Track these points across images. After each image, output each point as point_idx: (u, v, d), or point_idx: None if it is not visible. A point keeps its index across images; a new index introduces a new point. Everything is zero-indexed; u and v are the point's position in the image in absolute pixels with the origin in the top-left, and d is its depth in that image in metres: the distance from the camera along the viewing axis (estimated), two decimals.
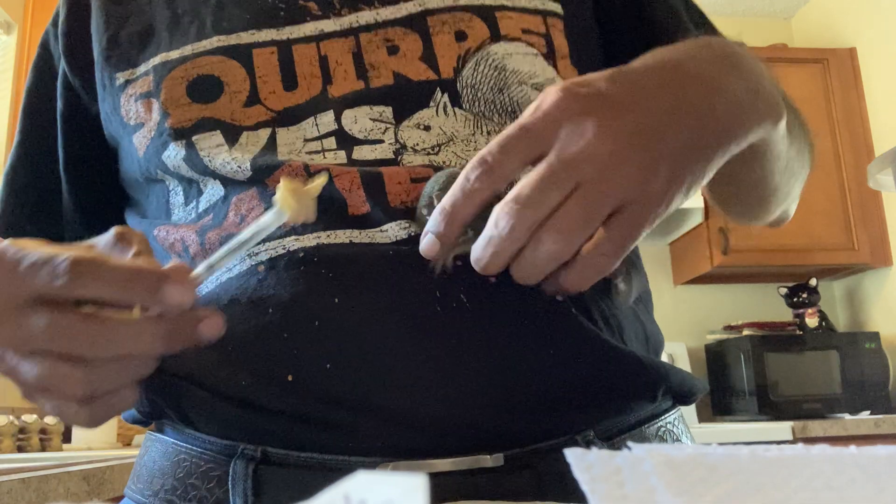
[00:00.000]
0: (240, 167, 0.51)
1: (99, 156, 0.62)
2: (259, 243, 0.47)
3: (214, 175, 0.52)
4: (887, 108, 2.78)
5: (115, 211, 0.64)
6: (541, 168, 0.38)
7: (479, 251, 0.40)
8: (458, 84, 0.53)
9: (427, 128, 0.51)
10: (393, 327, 0.43)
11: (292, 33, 0.55)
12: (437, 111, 0.52)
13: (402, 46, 0.54)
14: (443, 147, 0.51)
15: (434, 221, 0.41)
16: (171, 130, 0.53)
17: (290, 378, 0.44)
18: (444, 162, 0.50)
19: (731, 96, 0.43)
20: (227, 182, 0.52)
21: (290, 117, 0.52)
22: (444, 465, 0.43)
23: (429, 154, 0.50)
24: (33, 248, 0.38)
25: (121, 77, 0.58)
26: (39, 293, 0.37)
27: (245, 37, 0.55)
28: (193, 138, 0.53)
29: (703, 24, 0.64)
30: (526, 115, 0.40)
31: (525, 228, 0.38)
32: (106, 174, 0.63)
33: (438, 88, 0.53)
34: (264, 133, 0.52)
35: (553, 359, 0.44)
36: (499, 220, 0.38)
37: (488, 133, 0.52)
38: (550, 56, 0.56)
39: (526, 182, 0.38)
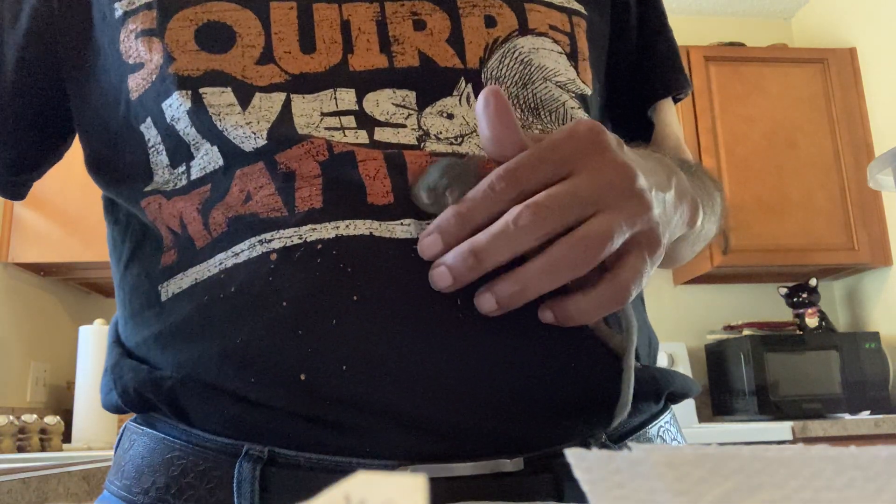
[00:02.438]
0: (254, 133, 0.47)
1: (48, 80, 0.58)
2: (273, 230, 0.45)
3: (216, 139, 0.48)
4: (887, 108, 2.78)
5: (32, 138, 0.62)
6: (568, 184, 0.39)
7: (484, 241, 0.39)
8: (482, 75, 0.52)
9: (450, 116, 0.50)
10: (412, 331, 0.42)
11: None
12: (459, 100, 0.51)
13: (430, 23, 0.52)
14: (465, 138, 0.50)
15: (445, 221, 0.41)
16: (176, 77, 0.49)
17: (302, 377, 0.42)
18: (467, 152, 0.49)
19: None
20: (228, 150, 0.48)
21: (306, 84, 0.49)
22: (464, 468, 0.42)
23: (452, 144, 0.49)
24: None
25: (119, 7, 0.53)
26: None
27: None
28: (201, 90, 0.48)
29: (682, 71, 0.71)
30: (559, 136, 0.41)
31: (542, 232, 0.39)
32: (45, 100, 0.59)
33: (463, 78, 0.51)
34: (278, 98, 0.49)
35: (569, 365, 0.45)
36: (520, 216, 0.38)
37: None
38: (573, 56, 0.56)
39: (553, 192, 0.39)
